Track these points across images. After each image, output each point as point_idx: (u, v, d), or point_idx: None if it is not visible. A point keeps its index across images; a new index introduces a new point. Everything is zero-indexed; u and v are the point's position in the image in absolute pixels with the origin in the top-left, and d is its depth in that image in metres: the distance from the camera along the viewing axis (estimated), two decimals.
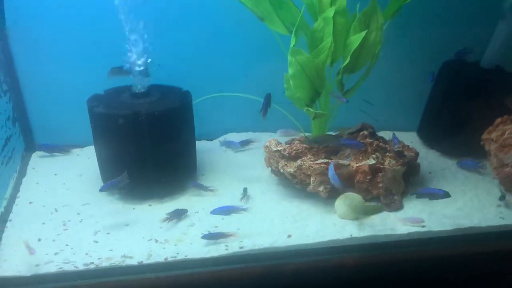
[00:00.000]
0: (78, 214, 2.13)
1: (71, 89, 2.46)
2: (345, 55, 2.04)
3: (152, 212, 2.16)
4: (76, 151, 2.65)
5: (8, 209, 2.14)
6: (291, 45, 1.96)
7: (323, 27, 1.99)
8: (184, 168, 2.31)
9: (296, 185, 2.18)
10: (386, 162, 2.14)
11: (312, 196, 2.20)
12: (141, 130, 2.06)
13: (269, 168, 2.33)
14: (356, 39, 1.94)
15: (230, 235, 1.96)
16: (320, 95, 2.13)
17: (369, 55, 2.07)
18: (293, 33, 2.03)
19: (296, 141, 2.19)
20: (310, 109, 2.05)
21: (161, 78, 2.31)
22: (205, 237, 1.95)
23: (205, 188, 2.28)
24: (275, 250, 1.96)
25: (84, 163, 2.52)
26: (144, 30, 2.10)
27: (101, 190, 2.09)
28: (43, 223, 2.07)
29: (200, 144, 2.55)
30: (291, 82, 2.05)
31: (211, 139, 2.78)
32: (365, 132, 2.19)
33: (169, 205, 2.21)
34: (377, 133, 2.36)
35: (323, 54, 2.00)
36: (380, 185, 2.11)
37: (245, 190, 2.23)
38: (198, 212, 2.15)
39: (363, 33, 1.94)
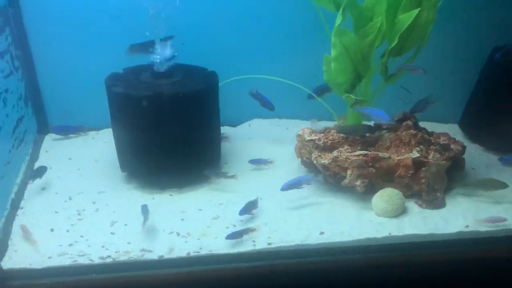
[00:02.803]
0: (94, 203, 2.01)
1: (87, 67, 2.34)
2: (392, 36, 1.88)
3: (172, 203, 2.04)
4: (92, 134, 2.52)
5: (19, 196, 2.03)
6: (336, 24, 1.81)
7: (373, 5, 1.85)
8: (208, 156, 2.17)
9: (329, 177, 2.03)
10: (430, 156, 1.99)
11: (346, 190, 2.05)
12: (163, 113, 1.93)
13: (299, 159, 2.19)
14: (406, 18, 1.78)
15: (253, 230, 1.83)
16: (362, 80, 1.98)
17: (418, 36, 1.91)
18: (341, 10, 1.86)
19: (332, 131, 2.04)
20: (350, 95, 1.90)
21: (183, 57, 2.14)
22: (229, 237, 1.81)
23: (224, 175, 2.13)
24: (306, 248, 1.83)
25: (100, 147, 2.40)
26: (167, 5, 1.95)
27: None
28: (56, 212, 1.95)
29: (223, 130, 2.40)
30: (332, 65, 1.91)
31: (234, 125, 2.64)
32: (409, 123, 2.03)
33: (191, 196, 2.08)
34: None
35: (371, 35, 1.85)
36: (423, 180, 1.96)
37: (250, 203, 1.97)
38: (222, 204, 2.02)
39: (415, 11, 1.77)
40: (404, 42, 1.93)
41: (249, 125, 2.65)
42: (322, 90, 2.21)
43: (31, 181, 2.08)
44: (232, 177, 2.12)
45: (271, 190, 2.11)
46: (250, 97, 2.54)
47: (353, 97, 1.91)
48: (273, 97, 2.41)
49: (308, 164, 2.13)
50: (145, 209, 1.90)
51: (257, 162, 2.27)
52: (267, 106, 2.31)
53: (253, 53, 2.44)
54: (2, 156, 1.96)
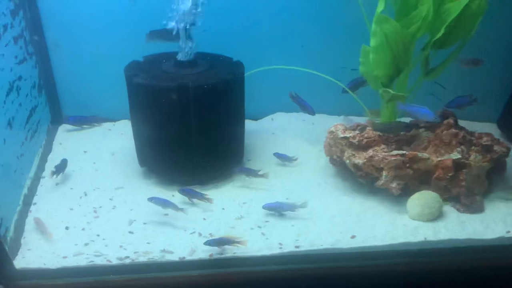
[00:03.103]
0: (111, 199, 1.91)
1: (105, 54, 2.23)
2: (438, 26, 1.74)
3: (194, 200, 1.93)
4: (108, 125, 2.41)
5: (32, 191, 1.93)
6: (378, 10, 1.67)
7: None
8: (232, 151, 2.06)
9: (360, 178, 1.91)
10: (472, 157, 1.86)
11: (378, 192, 1.93)
12: (187, 106, 1.80)
13: (327, 157, 2.06)
14: (455, 7, 1.64)
15: (237, 242, 1.68)
16: (401, 74, 1.85)
17: (466, 27, 1.77)
18: None
19: (368, 128, 1.91)
20: (389, 90, 1.77)
21: (205, 45, 2.01)
22: (208, 243, 1.67)
23: (255, 173, 2.02)
24: (337, 252, 1.72)
25: (116, 139, 2.29)
26: None
27: None
28: (71, 209, 1.85)
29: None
30: (371, 56, 1.78)
31: (256, 119, 2.51)
32: (451, 121, 1.90)
33: (213, 194, 1.95)
34: None
35: (415, 24, 1.72)
36: (463, 183, 1.83)
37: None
38: (245, 203, 1.91)
39: (466, 0, 1.64)
40: (450, 33, 1.79)
41: (272, 119, 2.52)
42: (357, 84, 2.10)
43: (54, 176, 1.97)
44: (262, 176, 2.02)
45: (297, 189, 2.00)
46: (273, 89, 2.43)
47: (391, 91, 1.78)
48: (298, 89, 2.29)
49: (338, 163, 2.00)
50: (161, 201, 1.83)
51: (282, 158, 2.16)
52: (307, 111, 2.18)
53: (280, 42, 2.30)
54: (15, 149, 1.86)
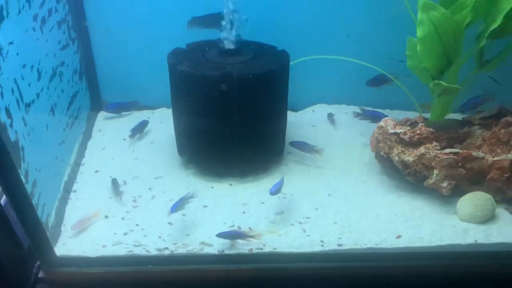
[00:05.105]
0: (150, 189, 1.90)
1: (145, 41, 2.20)
2: (493, 14, 1.64)
3: (233, 193, 1.91)
4: (147, 113, 2.39)
5: (72, 178, 1.94)
6: None
7: None
8: (272, 144, 2.01)
9: (408, 176, 1.84)
10: None
11: (425, 191, 1.86)
12: (230, 95, 1.77)
13: (373, 153, 1.99)
14: None
15: (251, 236, 1.65)
16: (452, 65, 1.75)
17: None
18: None
19: (420, 124, 1.82)
20: (441, 82, 1.68)
21: (249, 33, 1.95)
22: (220, 235, 1.64)
23: (310, 149, 2.01)
24: (381, 251, 1.66)
25: (155, 128, 2.27)
26: None
27: None
28: (110, 198, 1.85)
29: None
30: (418, 47, 1.69)
31: (296, 110, 2.44)
32: (509, 119, 1.80)
33: (253, 187, 1.94)
34: None
35: (465, 9, 1.62)
36: None
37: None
38: (285, 197, 1.87)
39: None
40: (508, 22, 1.67)
41: (313, 111, 2.45)
42: (378, 81, 2.04)
43: (132, 139, 2.14)
44: (317, 152, 2.02)
45: (341, 186, 1.95)
46: (315, 79, 2.37)
47: (444, 83, 1.69)
48: (342, 80, 2.23)
49: (384, 160, 1.93)
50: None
51: (301, 147, 2.06)
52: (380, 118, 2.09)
53: (326, 30, 2.22)
54: (57, 135, 1.86)
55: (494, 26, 1.65)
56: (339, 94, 2.40)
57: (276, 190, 1.78)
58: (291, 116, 2.40)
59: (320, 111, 2.43)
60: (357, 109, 2.37)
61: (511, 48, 1.79)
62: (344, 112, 2.40)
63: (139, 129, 2.19)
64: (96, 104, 2.35)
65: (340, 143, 2.21)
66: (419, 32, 1.67)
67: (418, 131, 1.77)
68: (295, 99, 2.31)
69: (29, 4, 1.60)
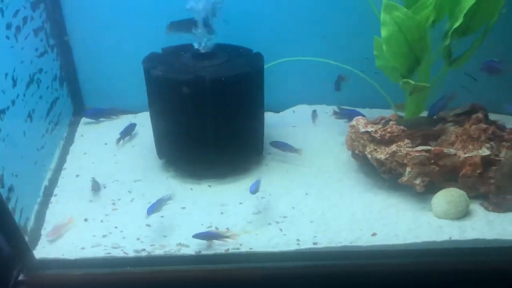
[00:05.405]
0: (129, 192, 1.93)
1: (126, 45, 2.24)
2: (456, 14, 1.67)
3: (211, 194, 1.93)
4: (129, 117, 2.43)
5: (53, 182, 1.98)
6: None
7: None
8: (250, 145, 2.04)
9: (383, 174, 1.86)
10: (502, 154, 1.78)
11: (401, 188, 1.88)
12: (204, 98, 1.80)
13: (350, 151, 2.02)
14: None
15: (227, 237, 1.67)
16: (421, 63, 1.78)
17: (488, 12, 1.69)
18: None
19: (391, 122, 1.86)
20: (410, 80, 1.71)
21: (225, 36, 2.00)
22: (196, 236, 1.66)
23: (290, 148, 2.05)
24: (356, 249, 1.68)
25: (137, 132, 2.30)
26: None
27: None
28: (91, 201, 1.88)
29: (265, 117, 2.20)
30: (384, 47, 1.72)
31: (277, 111, 2.48)
32: (480, 115, 1.82)
33: (231, 188, 1.97)
34: None
35: (426, 9, 1.65)
36: (492, 181, 1.76)
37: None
38: (264, 197, 1.89)
39: None
40: (471, 20, 1.71)
41: (294, 112, 2.48)
42: (338, 84, 2.11)
43: (121, 141, 2.20)
44: (297, 151, 2.05)
45: (318, 184, 1.97)
46: (295, 80, 2.40)
47: (411, 82, 1.72)
48: (321, 81, 2.26)
49: (360, 158, 1.96)
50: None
51: (282, 147, 2.10)
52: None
53: (302, 32, 2.26)
54: (35, 141, 1.90)
55: (457, 24, 1.68)
56: (319, 94, 2.43)
57: (255, 189, 1.82)
58: (272, 117, 2.46)
59: (300, 111, 2.46)
60: (336, 108, 2.40)
61: (476, 45, 1.81)
62: (324, 112, 2.42)
63: (128, 132, 2.23)
64: (79, 109, 2.38)
65: (319, 143, 2.23)
66: (384, 33, 1.70)
67: (389, 129, 1.80)
68: (276, 100, 2.37)
69: (2, 13, 1.64)
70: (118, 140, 2.19)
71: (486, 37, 1.84)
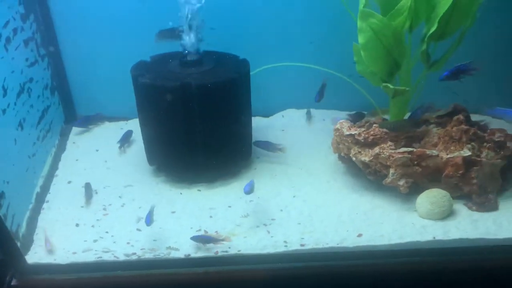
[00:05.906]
0: (120, 197, 1.97)
1: (116, 53, 2.28)
2: (431, 19, 1.71)
3: (201, 198, 1.97)
4: (121, 124, 2.47)
5: (45, 189, 2.01)
6: (361, 6, 1.66)
7: None
8: (238, 149, 2.07)
9: (369, 176, 1.90)
10: (483, 154, 1.82)
11: (387, 190, 1.92)
12: (191, 105, 1.85)
13: (336, 154, 2.06)
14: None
15: (222, 240, 1.71)
16: (400, 67, 1.82)
17: (463, 17, 1.73)
18: None
19: (374, 125, 1.89)
20: (388, 85, 1.75)
21: (213, 43, 2.06)
22: (193, 238, 1.71)
23: (274, 147, 2.10)
24: (343, 250, 1.72)
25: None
26: None
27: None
28: (82, 206, 1.92)
29: (254, 121, 2.24)
30: (362, 53, 1.77)
31: (267, 116, 2.52)
32: (461, 117, 1.86)
33: (220, 191, 2.01)
34: None
35: (401, 16, 1.69)
36: (474, 181, 1.80)
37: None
38: (252, 201, 1.93)
39: None
40: (446, 24, 1.75)
41: (283, 116, 2.52)
42: (321, 94, 2.12)
43: (122, 148, 2.26)
44: (281, 150, 2.10)
45: (305, 187, 2.01)
46: (284, 85, 2.44)
47: (391, 86, 1.76)
48: (309, 86, 2.28)
49: (346, 160, 2.00)
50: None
51: (265, 147, 2.15)
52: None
53: (289, 38, 2.29)
54: (26, 149, 1.94)
55: (433, 30, 1.72)
56: (308, 99, 2.40)
57: (250, 189, 1.85)
58: (262, 121, 2.50)
59: (289, 115, 2.50)
60: (325, 112, 2.44)
61: (453, 49, 1.85)
62: (312, 116, 2.46)
63: (126, 139, 2.27)
64: (71, 117, 2.42)
65: (308, 146, 2.27)
66: (361, 39, 1.75)
67: (372, 132, 1.84)
68: (265, 105, 2.44)
69: None
70: (120, 147, 2.23)
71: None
